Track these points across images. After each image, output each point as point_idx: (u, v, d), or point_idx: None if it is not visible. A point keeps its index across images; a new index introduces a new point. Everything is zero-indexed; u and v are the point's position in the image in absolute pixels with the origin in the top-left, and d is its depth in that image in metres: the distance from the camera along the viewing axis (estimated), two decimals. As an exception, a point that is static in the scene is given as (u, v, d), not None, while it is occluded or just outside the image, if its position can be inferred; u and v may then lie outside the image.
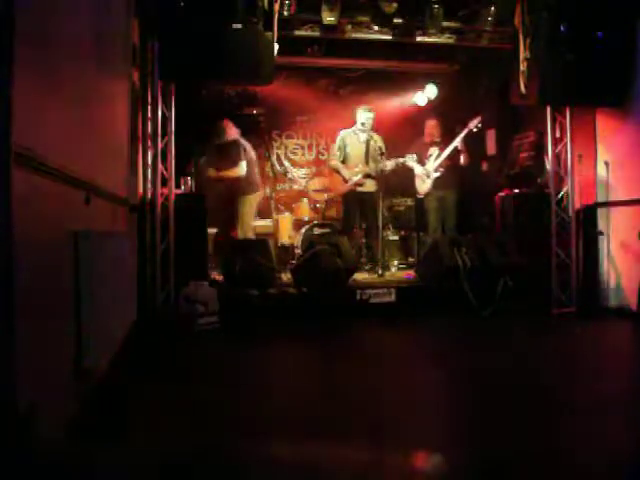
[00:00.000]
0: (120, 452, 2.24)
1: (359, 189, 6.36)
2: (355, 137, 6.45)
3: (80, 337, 2.40)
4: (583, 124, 5.65)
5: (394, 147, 6.86)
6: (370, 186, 6.37)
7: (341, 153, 6.46)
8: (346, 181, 6.39)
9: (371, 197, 6.36)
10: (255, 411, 2.80)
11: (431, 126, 6.70)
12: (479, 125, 6.35)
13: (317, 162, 8.41)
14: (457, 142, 6.37)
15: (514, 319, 5.11)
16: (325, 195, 7.31)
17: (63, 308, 2.30)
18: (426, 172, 6.56)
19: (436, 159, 6.54)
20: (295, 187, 7.82)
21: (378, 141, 6.33)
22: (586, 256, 5.65)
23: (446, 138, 6.56)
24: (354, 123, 6.47)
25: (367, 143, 6.39)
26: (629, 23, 5.04)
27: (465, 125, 6.38)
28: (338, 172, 6.50)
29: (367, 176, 6.34)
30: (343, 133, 6.53)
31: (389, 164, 6.20)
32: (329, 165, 6.68)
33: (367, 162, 6.38)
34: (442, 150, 6.50)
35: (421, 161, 6.60)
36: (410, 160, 6.43)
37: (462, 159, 6.45)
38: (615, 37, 5.02)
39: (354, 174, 6.36)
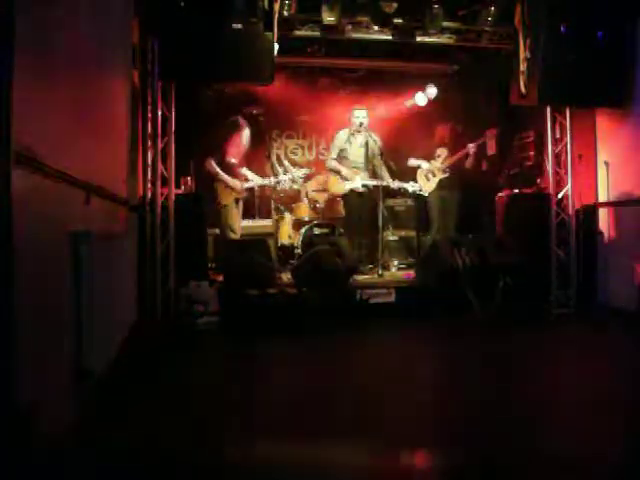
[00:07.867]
0: (120, 452, 2.24)
1: (357, 190, 6.37)
2: (353, 138, 6.42)
3: (80, 337, 2.40)
4: (583, 124, 5.64)
5: (393, 147, 6.86)
6: (365, 188, 6.38)
7: (337, 153, 6.45)
8: (346, 179, 6.38)
9: (368, 196, 6.36)
10: (255, 411, 2.80)
11: (443, 130, 6.79)
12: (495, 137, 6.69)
13: (317, 162, 8.38)
14: (471, 147, 6.46)
15: (514, 319, 5.10)
16: (325, 195, 7.29)
17: (63, 308, 2.30)
18: (431, 170, 6.60)
19: (445, 160, 6.58)
20: (295, 187, 7.80)
21: (377, 141, 6.34)
22: (586, 256, 5.65)
23: (453, 140, 6.64)
24: (349, 124, 6.43)
25: (366, 145, 6.38)
26: (629, 23, 5.04)
27: (482, 135, 6.58)
28: (337, 172, 6.49)
29: (364, 185, 6.36)
30: (341, 133, 6.51)
31: (392, 183, 6.28)
32: (327, 166, 6.69)
33: (366, 165, 6.38)
34: (451, 152, 6.58)
35: (427, 160, 6.69)
36: (414, 162, 6.68)
37: (468, 162, 6.54)
38: (615, 37, 5.02)
39: (353, 176, 6.35)
